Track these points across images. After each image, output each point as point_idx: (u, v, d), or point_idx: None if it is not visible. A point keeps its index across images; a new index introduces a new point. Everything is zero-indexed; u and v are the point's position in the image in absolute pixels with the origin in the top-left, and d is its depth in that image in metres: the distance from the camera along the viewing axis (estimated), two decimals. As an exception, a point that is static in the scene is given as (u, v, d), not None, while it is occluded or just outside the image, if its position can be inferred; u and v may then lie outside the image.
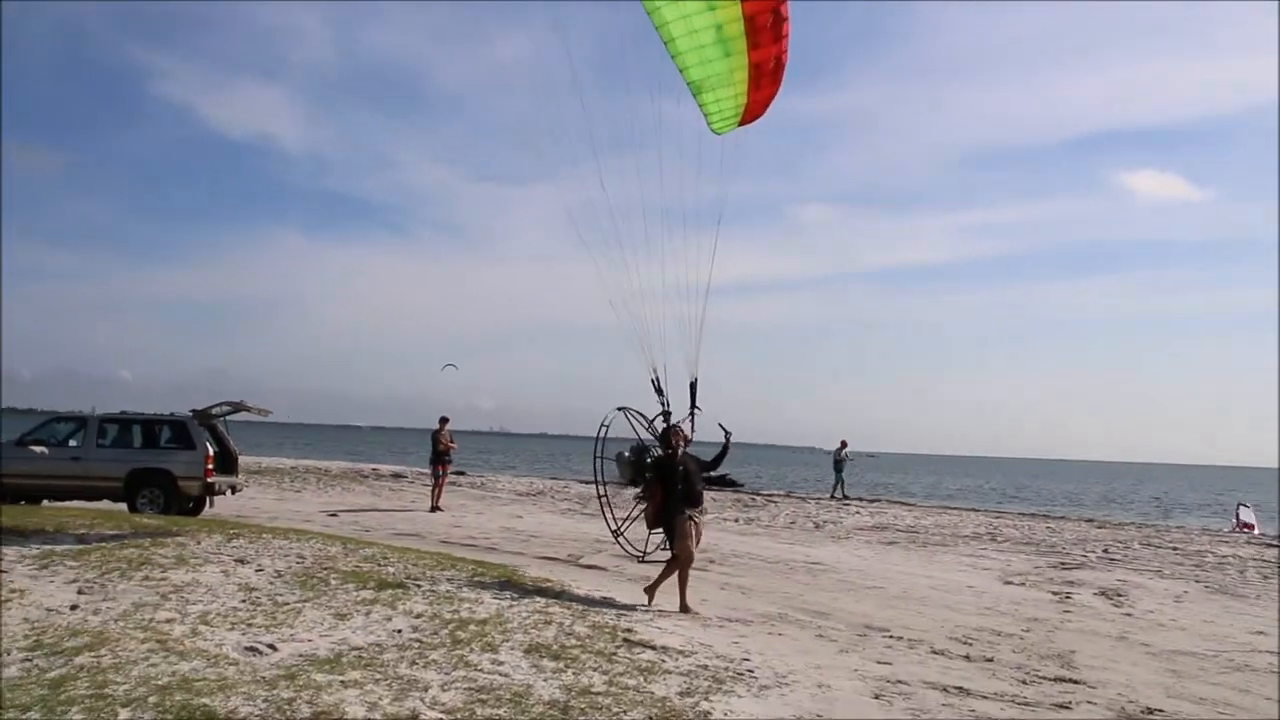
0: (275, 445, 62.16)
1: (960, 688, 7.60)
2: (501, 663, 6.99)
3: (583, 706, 6.07)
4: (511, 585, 10.42)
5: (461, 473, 35.17)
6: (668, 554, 10.89)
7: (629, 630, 8.70)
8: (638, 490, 11.35)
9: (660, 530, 10.90)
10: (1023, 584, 13.96)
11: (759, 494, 37.34)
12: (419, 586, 9.72)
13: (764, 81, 10.59)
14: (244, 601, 8.76)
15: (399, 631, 7.75)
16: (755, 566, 14.58)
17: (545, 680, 6.63)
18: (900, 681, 7.72)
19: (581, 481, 38.36)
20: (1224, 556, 18.59)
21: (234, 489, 18.78)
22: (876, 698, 7.20)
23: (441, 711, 5.69)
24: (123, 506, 17.18)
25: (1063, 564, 16.39)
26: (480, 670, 6.73)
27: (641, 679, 6.94)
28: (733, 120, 10.85)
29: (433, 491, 22.08)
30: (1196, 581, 14.91)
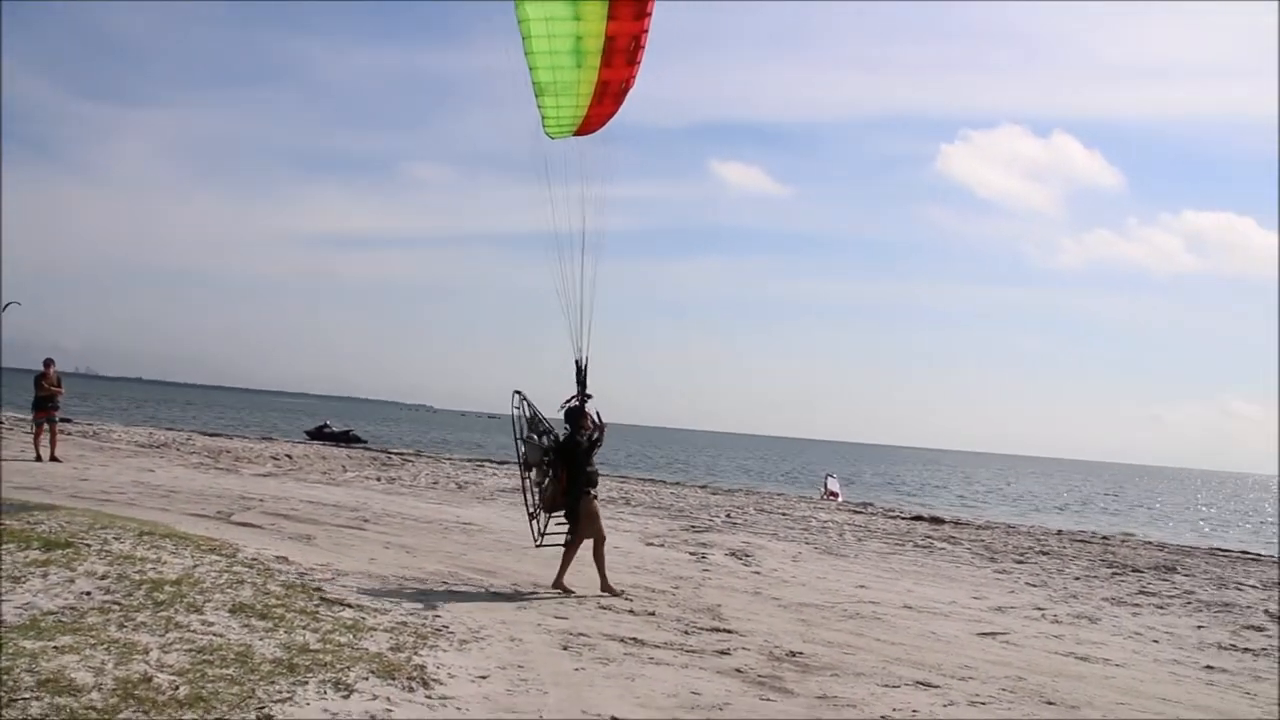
0: None
1: (635, 639, 8.41)
2: (212, 624, 7.00)
3: (307, 664, 6.27)
4: (184, 544, 10.18)
5: (69, 420, 32.55)
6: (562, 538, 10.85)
7: (319, 589, 8.86)
8: (535, 473, 11.02)
9: (557, 513, 10.89)
10: (662, 545, 15.18)
11: (390, 451, 37.36)
12: (89, 546, 9.32)
13: (607, 100, 10.75)
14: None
15: (88, 594, 7.49)
16: (411, 526, 14.90)
17: (261, 639, 6.73)
18: (582, 634, 8.42)
19: (206, 434, 36.69)
20: (825, 521, 20.96)
21: None
22: (565, 649, 7.85)
23: (172, 674, 5.71)
24: None
25: (693, 527, 17.90)
26: (194, 631, 6.72)
27: (351, 636, 7.20)
28: (569, 129, 10.94)
29: (36, 440, 20.49)
30: (807, 543, 16.82)
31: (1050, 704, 7.41)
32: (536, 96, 10.68)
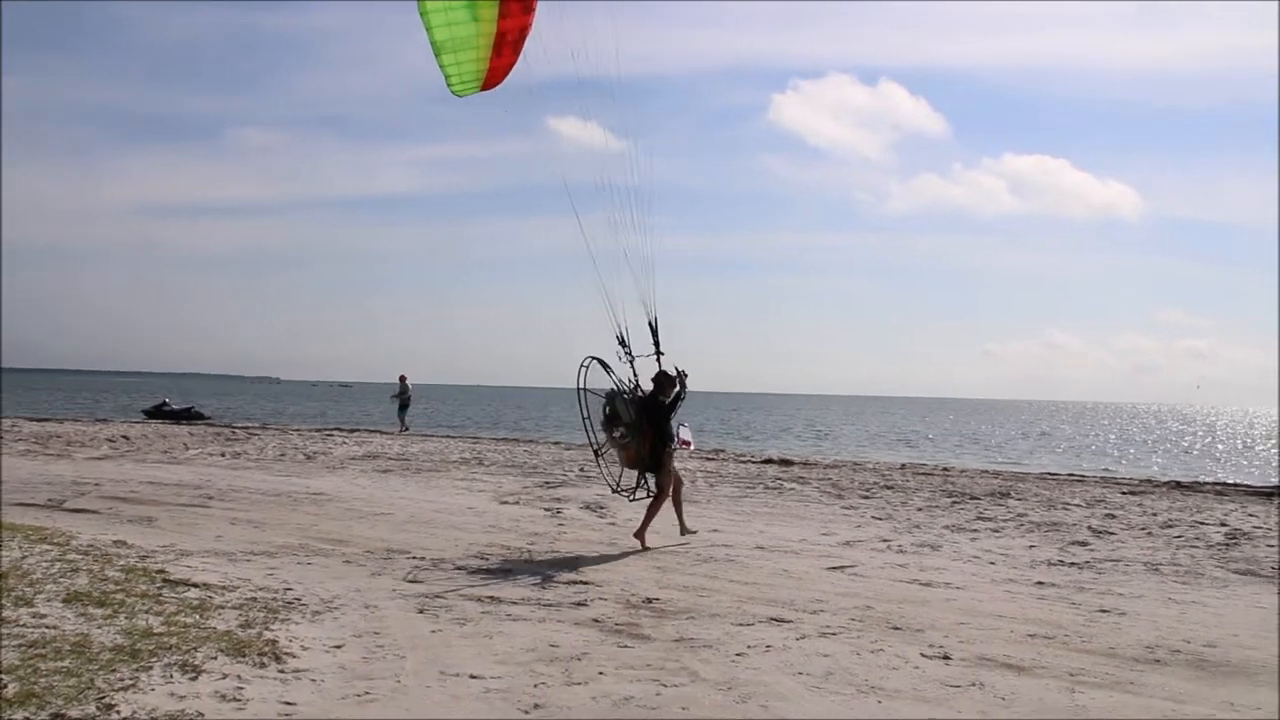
0: None
1: (492, 597, 8.40)
2: (44, 616, 6.69)
3: (151, 648, 6.07)
4: (11, 535, 9.69)
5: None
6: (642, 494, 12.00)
7: (162, 571, 8.57)
8: (619, 434, 11.66)
9: (633, 469, 11.93)
10: (517, 503, 15.17)
11: (234, 426, 36.27)
12: (-97, 542, 8.80)
13: (505, 50, 10.85)
14: None
15: (-97, 590, 7.09)
16: (259, 500, 14.52)
17: (100, 627, 6.48)
18: (438, 596, 8.38)
19: (33, 419, 34.90)
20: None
21: None
22: (421, 612, 7.80)
23: None
24: None
25: (548, 483, 17.93)
26: (23, 626, 6.41)
27: (198, 616, 6.99)
28: (473, 84, 11.05)
29: None
30: (660, 492, 17.01)
31: (896, 629, 7.72)
32: (436, 56, 10.76)
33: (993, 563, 10.93)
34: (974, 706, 5.89)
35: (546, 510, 14.38)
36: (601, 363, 11.87)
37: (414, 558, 10.27)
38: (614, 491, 12.38)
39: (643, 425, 11.64)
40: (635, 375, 11.99)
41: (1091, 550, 11.77)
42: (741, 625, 7.69)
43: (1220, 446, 61.31)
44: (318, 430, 35.22)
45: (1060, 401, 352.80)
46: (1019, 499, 16.87)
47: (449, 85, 11.06)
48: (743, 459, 26.54)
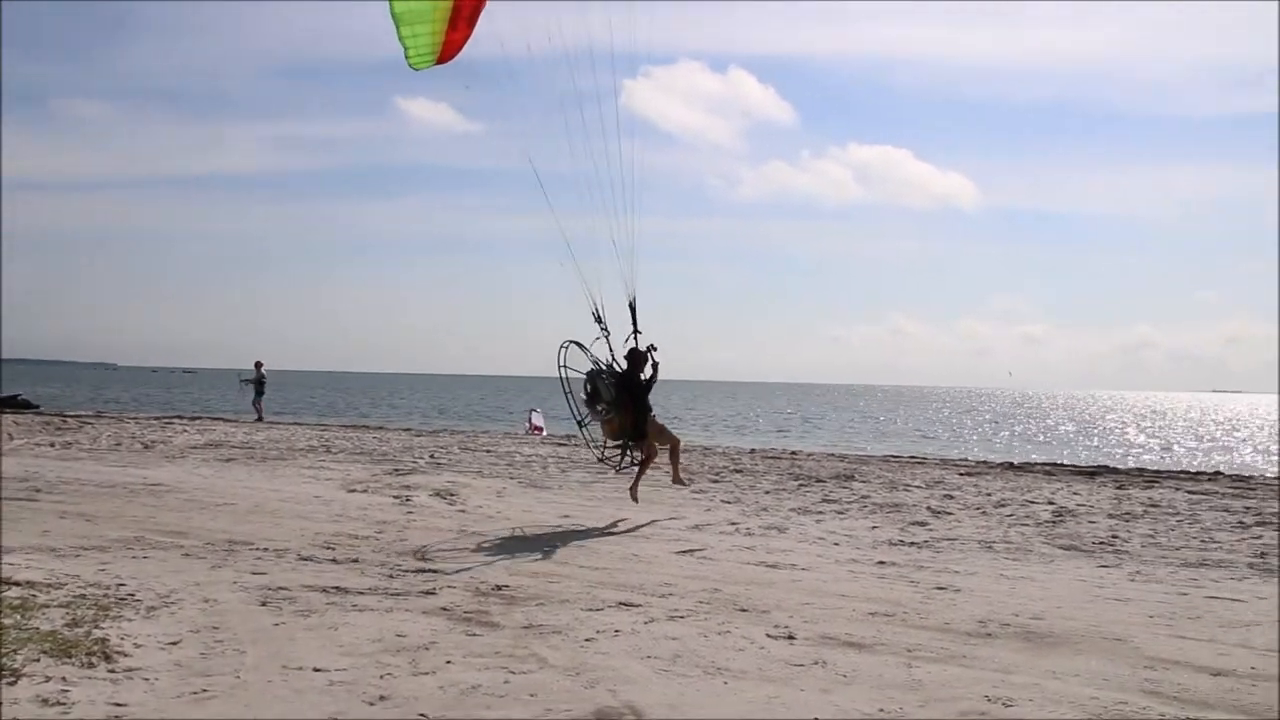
0: None
1: (338, 587, 8.24)
2: None
3: (-34, 651, 5.75)
4: None
5: None
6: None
7: (-20, 568, 8.12)
8: (601, 407, 12.68)
9: (619, 439, 13.01)
10: (365, 491, 14.89)
11: (65, 415, 34.62)
12: None
13: (460, 24, 11.23)
14: None
15: None
16: (91, 492, 13.89)
17: (-91, 629, 6.10)
18: (281, 588, 8.16)
19: None
20: (529, 456, 21.21)
21: None
22: (264, 604, 7.59)
23: None
24: None
25: (397, 470, 17.65)
26: None
27: (19, 616, 6.64)
28: (429, 58, 11.45)
29: None
30: (511, 479, 16.96)
31: (743, 610, 7.86)
32: (396, 28, 11.06)
33: (837, 544, 11.23)
34: (816, 684, 6.04)
35: (395, 498, 14.16)
36: (579, 345, 12.93)
37: (257, 549, 9.98)
38: (600, 460, 13.71)
39: (624, 400, 12.60)
40: (611, 351, 12.88)
41: (930, 530, 12.21)
42: (591, 610, 7.72)
43: (1065, 429, 64.34)
44: (157, 418, 33.95)
45: (905, 386, 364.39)
46: (863, 481, 17.37)
47: (406, 57, 11.36)
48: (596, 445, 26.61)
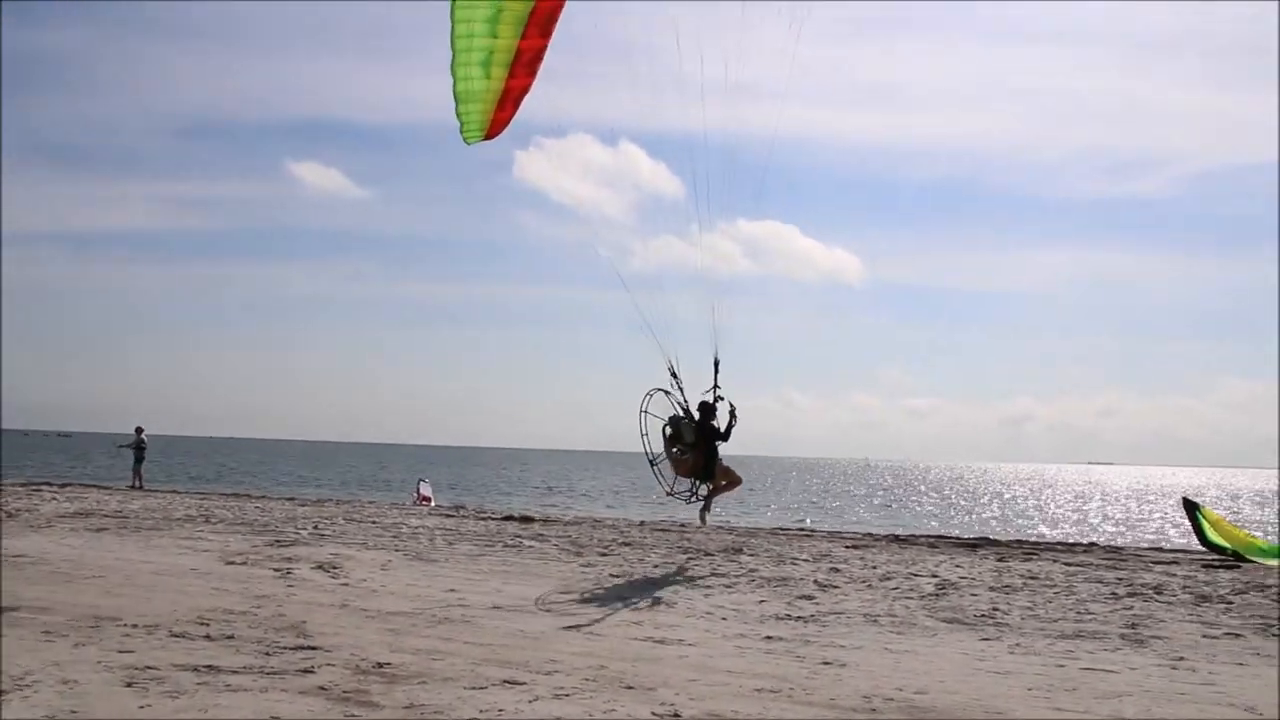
0: None
1: (210, 666, 7.93)
2: None
3: None
4: None
5: None
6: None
7: None
8: (678, 449, 14.89)
9: (690, 477, 15.26)
10: (245, 563, 14.43)
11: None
12: None
13: (508, 105, 12.71)
14: None
15: None
16: (-53, 564, 13.21)
17: None
18: (149, 667, 7.82)
19: None
20: (416, 527, 20.82)
21: None
22: (129, 685, 7.26)
23: None
24: None
25: (279, 541, 17.15)
26: None
27: None
28: (478, 134, 12.88)
29: None
30: (397, 550, 16.61)
31: (630, 688, 7.78)
32: (457, 104, 12.54)
33: (725, 618, 11.22)
34: (701, 764, 5.99)
35: (275, 571, 13.74)
36: (665, 392, 14.97)
37: (126, 625, 9.57)
38: (669, 494, 15.52)
39: (699, 443, 14.82)
40: (685, 402, 15.06)
41: (817, 604, 12.28)
42: (474, 689, 7.55)
43: (950, 500, 65.64)
44: (24, 484, 32.50)
45: (797, 457, 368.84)
46: (750, 554, 17.41)
47: (462, 133, 12.80)
48: (483, 515, 26.32)
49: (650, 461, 15.20)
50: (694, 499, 15.52)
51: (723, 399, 14.97)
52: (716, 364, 14.81)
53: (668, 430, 14.87)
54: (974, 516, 49.09)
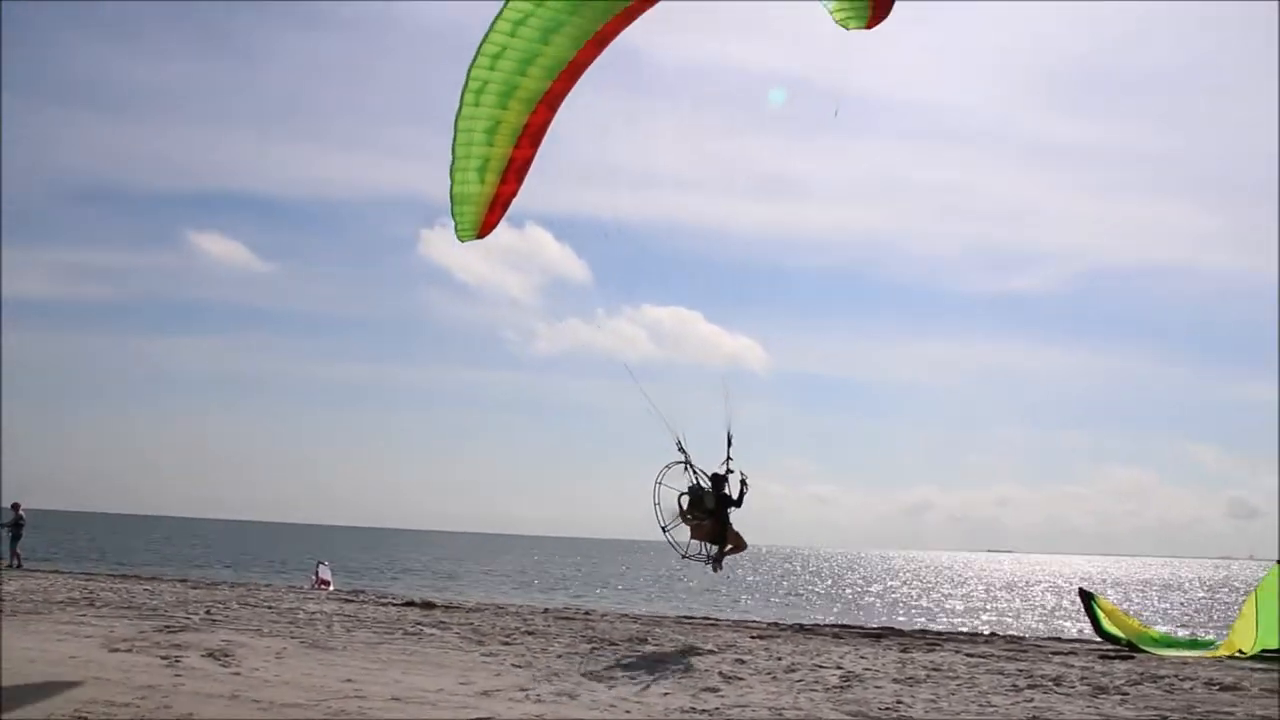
0: None
1: (87, 765, 7.53)
2: None
3: None
4: None
5: None
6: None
7: None
8: (693, 516, 16.67)
9: (706, 541, 17.17)
10: (130, 650, 13.85)
11: None
12: None
13: (498, 209, 13.68)
14: None
15: None
16: None
17: None
18: (21, 766, 7.41)
19: None
20: (314, 613, 20.24)
21: None
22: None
23: None
24: None
25: (168, 627, 16.51)
26: None
27: None
28: (471, 234, 13.72)
29: None
30: (293, 637, 16.09)
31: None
32: (453, 205, 13.41)
33: (629, 711, 11.04)
34: None
35: (163, 659, 13.20)
36: (686, 463, 16.66)
37: (-3, 719, 9.09)
38: (683, 557, 17.20)
39: (716, 510, 16.73)
40: (698, 474, 16.77)
41: (722, 697, 12.15)
42: (369, 789, 7.28)
43: (853, 588, 65.96)
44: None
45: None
46: (655, 644, 17.25)
47: (456, 231, 13.66)
48: (384, 601, 25.73)
49: (663, 528, 16.93)
50: (708, 561, 17.41)
51: (733, 471, 16.97)
52: (729, 439, 16.77)
53: (684, 500, 16.68)
54: (876, 604, 49.41)
